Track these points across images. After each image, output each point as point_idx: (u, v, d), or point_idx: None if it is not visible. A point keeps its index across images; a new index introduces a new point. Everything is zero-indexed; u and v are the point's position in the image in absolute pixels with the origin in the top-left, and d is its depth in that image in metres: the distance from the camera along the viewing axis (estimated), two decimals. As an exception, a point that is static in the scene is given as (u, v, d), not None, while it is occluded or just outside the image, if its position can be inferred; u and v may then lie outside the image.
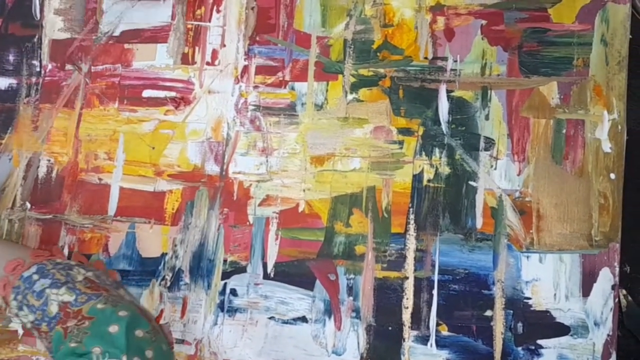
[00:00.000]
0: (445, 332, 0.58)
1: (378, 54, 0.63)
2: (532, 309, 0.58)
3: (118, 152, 0.65)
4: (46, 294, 0.51)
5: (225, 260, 0.62)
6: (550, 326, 0.57)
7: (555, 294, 0.58)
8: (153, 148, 0.65)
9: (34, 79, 0.68)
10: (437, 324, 0.58)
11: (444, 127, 0.61)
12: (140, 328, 0.47)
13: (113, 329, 0.46)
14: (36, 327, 0.52)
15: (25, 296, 0.52)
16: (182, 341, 0.62)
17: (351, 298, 0.60)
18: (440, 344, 0.58)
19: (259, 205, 0.62)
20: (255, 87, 0.64)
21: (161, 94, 0.65)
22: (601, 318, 0.57)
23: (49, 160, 0.66)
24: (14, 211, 0.66)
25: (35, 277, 0.53)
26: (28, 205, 0.66)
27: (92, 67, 0.67)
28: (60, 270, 0.53)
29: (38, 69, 0.68)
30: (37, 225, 0.65)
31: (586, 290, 0.57)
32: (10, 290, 0.53)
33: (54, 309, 0.50)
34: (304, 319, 0.60)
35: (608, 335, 0.57)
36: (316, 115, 0.63)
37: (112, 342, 0.45)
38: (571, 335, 0.57)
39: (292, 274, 0.61)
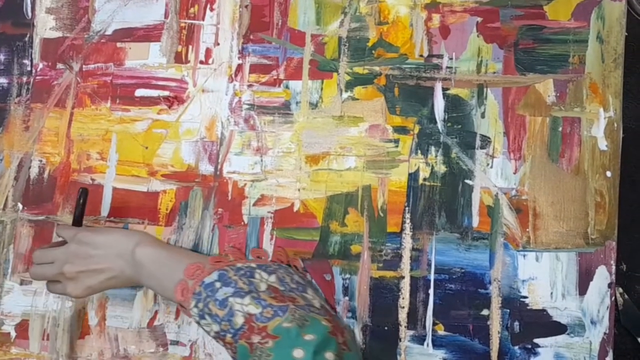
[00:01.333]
0: (441, 331, 0.58)
1: (373, 51, 0.62)
2: (528, 307, 0.57)
3: (111, 152, 0.65)
4: (230, 303, 0.48)
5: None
6: (547, 325, 0.57)
7: (551, 293, 0.57)
8: (146, 148, 0.64)
9: (24, 78, 0.67)
10: (434, 324, 0.58)
11: (439, 125, 0.61)
12: (329, 350, 0.43)
13: (298, 353, 0.43)
14: (221, 338, 0.49)
15: (207, 304, 0.49)
16: (176, 342, 0.61)
17: (347, 298, 0.60)
18: (437, 343, 0.58)
19: (254, 205, 0.62)
20: (250, 85, 0.64)
21: (154, 93, 0.65)
22: (598, 316, 0.57)
23: (40, 161, 0.65)
24: (5, 212, 0.65)
25: (218, 284, 0.50)
26: (20, 206, 0.65)
27: (84, 66, 0.66)
28: (242, 277, 0.50)
29: (29, 68, 0.67)
30: (29, 227, 0.65)
31: (583, 288, 0.57)
32: (190, 296, 0.50)
33: (239, 320, 0.47)
34: (299, 320, 0.60)
35: (605, 333, 0.56)
36: (311, 114, 0.62)
37: None
38: (568, 334, 0.57)
39: (288, 274, 0.60)
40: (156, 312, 0.62)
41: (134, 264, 0.54)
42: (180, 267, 0.53)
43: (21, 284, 0.64)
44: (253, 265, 0.53)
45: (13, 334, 0.63)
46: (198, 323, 0.51)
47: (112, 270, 0.55)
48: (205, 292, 0.50)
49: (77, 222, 0.59)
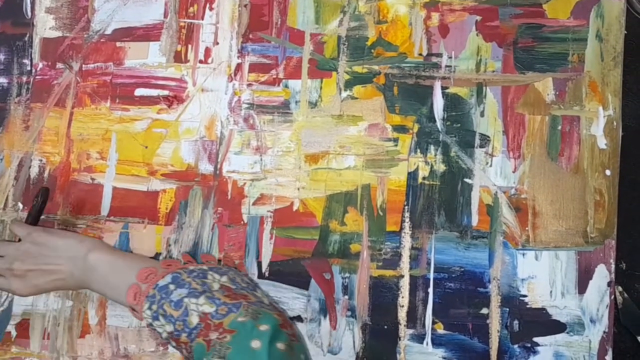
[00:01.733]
0: (441, 330, 0.58)
1: (372, 50, 0.62)
2: (528, 306, 0.58)
3: (111, 152, 0.65)
4: (185, 303, 0.49)
5: (219, 260, 0.62)
6: (546, 323, 0.57)
7: (551, 291, 0.57)
8: (146, 147, 0.64)
9: (24, 78, 0.67)
10: (433, 322, 0.58)
11: (439, 124, 0.61)
12: (281, 341, 0.46)
13: (255, 344, 0.44)
14: (174, 338, 0.50)
15: (162, 306, 0.50)
16: (176, 341, 0.61)
17: (346, 297, 0.60)
18: (436, 342, 0.58)
19: (253, 204, 0.62)
20: (249, 85, 0.64)
21: (154, 92, 0.65)
22: (597, 315, 0.57)
23: (40, 160, 0.65)
24: (5, 212, 0.65)
25: (172, 286, 0.51)
26: (20, 205, 0.65)
27: (84, 66, 0.66)
28: (195, 278, 0.52)
29: (29, 68, 0.67)
30: (29, 226, 0.65)
31: (582, 287, 0.57)
32: (143, 299, 0.51)
33: (194, 319, 0.48)
34: (299, 319, 0.60)
35: (604, 332, 0.57)
36: (310, 113, 0.62)
37: (254, 358, 0.44)
38: (567, 333, 0.57)
39: (287, 273, 0.61)
40: (156, 311, 0.62)
41: (85, 269, 0.55)
42: (132, 272, 0.54)
43: (22, 283, 0.64)
44: (205, 267, 0.55)
45: (14, 333, 0.63)
46: (150, 325, 0.52)
47: (62, 273, 0.56)
48: (159, 294, 0.51)
49: (34, 220, 0.60)
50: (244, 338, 0.45)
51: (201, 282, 0.52)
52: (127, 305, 0.54)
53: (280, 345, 0.45)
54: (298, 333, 0.49)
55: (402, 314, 0.59)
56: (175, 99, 0.64)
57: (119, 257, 0.56)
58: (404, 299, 0.59)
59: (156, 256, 0.62)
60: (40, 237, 0.57)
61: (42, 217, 0.63)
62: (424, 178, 0.60)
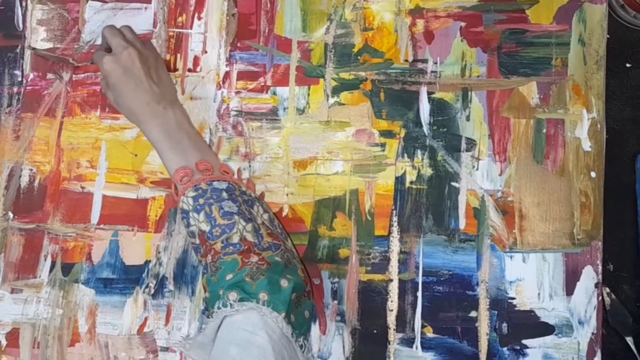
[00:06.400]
0: (430, 334, 0.58)
1: (359, 57, 0.63)
2: (516, 309, 0.58)
3: (100, 160, 0.65)
4: (235, 219, 0.50)
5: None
6: (535, 326, 0.57)
7: (539, 294, 0.58)
8: (136, 155, 0.65)
9: (15, 89, 0.67)
10: (422, 326, 0.58)
11: (425, 128, 0.61)
12: (299, 292, 0.48)
13: (284, 283, 0.47)
14: (205, 239, 0.51)
15: (210, 206, 0.51)
16: (166, 349, 0.61)
17: (336, 302, 0.60)
18: (426, 346, 0.58)
19: (243, 210, 0.62)
20: (237, 92, 0.64)
21: (143, 101, 0.65)
22: (585, 316, 0.57)
23: (31, 170, 0.66)
24: (-4, 221, 0.65)
25: (225, 195, 0.51)
26: (10, 215, 0.65)
27: (74, 76, 0.67)
28: (245, 203, 0.52)
29: (20, 79, 0.68)
30: (19, 235, 0.65)
31: (570, 289, 0.57)
32: (190, 185, 0.52)
33: (235, 238, 0.49)
34: (289, 324, 0.60)
35: (592, 333, 0.57)
36: (298, 120, 0.63)
37: (279, 295, 0.46)
38: (556, 335, 0.57)
39: (277, 278, 0.61)
40: (146, 319, 0.62)
41: (157, 115, 0.56)
42: (194, 155, 0.54)
43: (12, 292, 0.64)
44: (253, 196, 0.55)
45: (4, 342, 0.63)
46: (184, 213, 0.52)
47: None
48: (211, 193, 0.51)
49: None
50: (276, 273, 0.48)
51: (248, 209, 0.52)
52: (170, 176, 0.54)
53: (293, 297, 0.48)
54: (311, 291, 0.52)
55: (391, 318, 0.59)
56: (164, 107, 0.65)
57: (193, 132, 0.56)
58: (393, 303, 0.59)
59: (145, 264, 0.63)
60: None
61: (32, 226, 0.64)
62: (411, 182, 0.61)
